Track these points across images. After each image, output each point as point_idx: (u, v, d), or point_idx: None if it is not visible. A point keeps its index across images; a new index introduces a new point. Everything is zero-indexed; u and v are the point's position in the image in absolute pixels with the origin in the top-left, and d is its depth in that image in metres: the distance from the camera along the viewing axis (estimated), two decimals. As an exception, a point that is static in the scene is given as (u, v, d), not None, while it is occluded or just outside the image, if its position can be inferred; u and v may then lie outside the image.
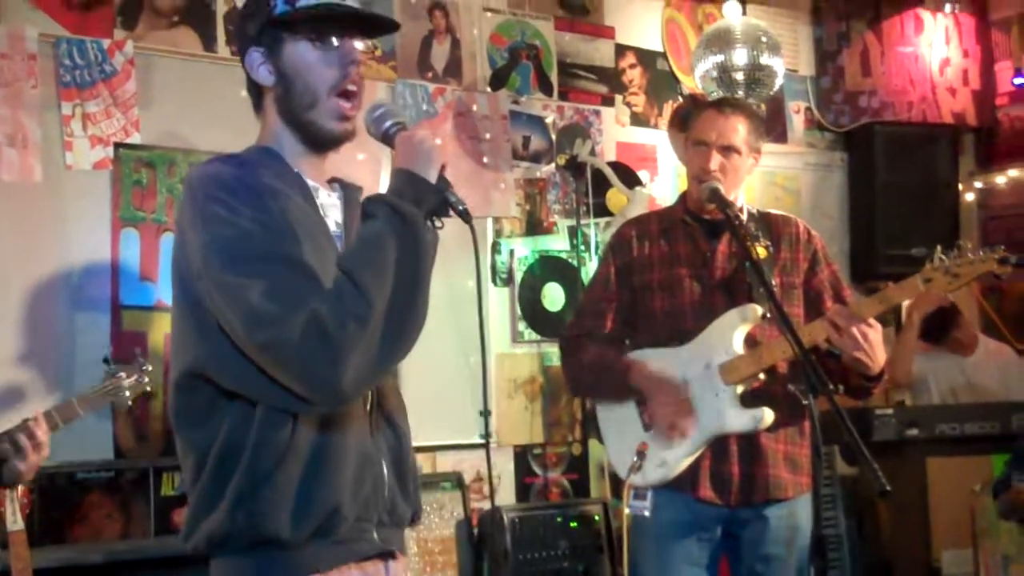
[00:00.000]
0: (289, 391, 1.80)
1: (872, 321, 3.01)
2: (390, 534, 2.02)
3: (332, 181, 2.12)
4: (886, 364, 3.14)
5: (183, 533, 1.97)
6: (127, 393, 3.25)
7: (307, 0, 1.98)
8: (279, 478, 1.86)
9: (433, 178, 1.95)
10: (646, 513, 3.21)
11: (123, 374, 3.25)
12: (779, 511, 3.21)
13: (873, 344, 3.01)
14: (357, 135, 2.08)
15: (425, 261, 1.88)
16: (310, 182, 2.03)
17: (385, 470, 2.01)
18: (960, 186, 5.89)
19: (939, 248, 3.01)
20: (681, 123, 3.39)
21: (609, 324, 3.37)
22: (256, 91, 2.07)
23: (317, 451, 1.89)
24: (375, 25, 2.09)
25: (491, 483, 2.18)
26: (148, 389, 3.33)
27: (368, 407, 2.01)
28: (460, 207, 1.98)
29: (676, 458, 3.19)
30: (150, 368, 3.30)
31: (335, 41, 2.00)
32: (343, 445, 1.92)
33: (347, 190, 2.12)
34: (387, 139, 2.05)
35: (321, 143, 2.04)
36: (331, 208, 2.06)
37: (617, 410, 3.35)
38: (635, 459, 3.20)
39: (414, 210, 1.89)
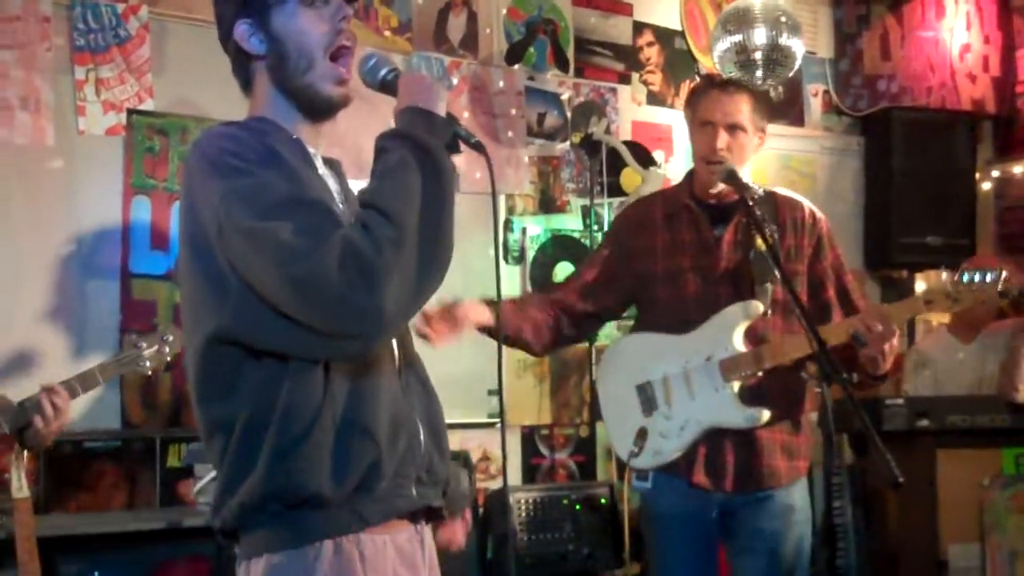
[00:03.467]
0: (325, 334, 1.75)
1: (894, 327, 3.04)
2: (428, 491, 1.99)
3: None
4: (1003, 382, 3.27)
5: (211, 509, 1.92)
6: (148, 363, 3.22)
7: None
8: (316, 433, 1.82)
9: (442, 112, 1.92)
10: (647, 488, 3.24)
11: (144, 344, 3.22)
12: (774, 495, 3.21)
13: (893, 347, 3.06)
14: (355, 94, 2.04)
15: (448, 186, 1.84)
16: (310, 149, 2.00)
17: (420, 427, 1.98)
18: (977, 175, 5.85)
19: (944, 268, 3.05)
20: (691, 95, 3.38)
21: (580, 282, 3.38)
22: (244, 68, 2.02)
23: (351, 406, 1.86)
24: None
25: (505, 466, 2.14)
26: (168, 360, 3.29)
27: (397, 364, 1.99)
28: (472, 139, 1.96)
29: (672, 447, 3.21)
30: (171, 338, 3.27)
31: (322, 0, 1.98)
32: (376, 400, 1.89)
33: (331, 163, 2.10)
34: (386, 86, 2.01)
35: (318, 109, 2.00)
36: (328, 178, 2.03)
37: (616, 391, 3.35)
38: (634, 443, 3.22)
39: (431, 138, 1.86)
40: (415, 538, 1.98)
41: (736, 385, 3.17)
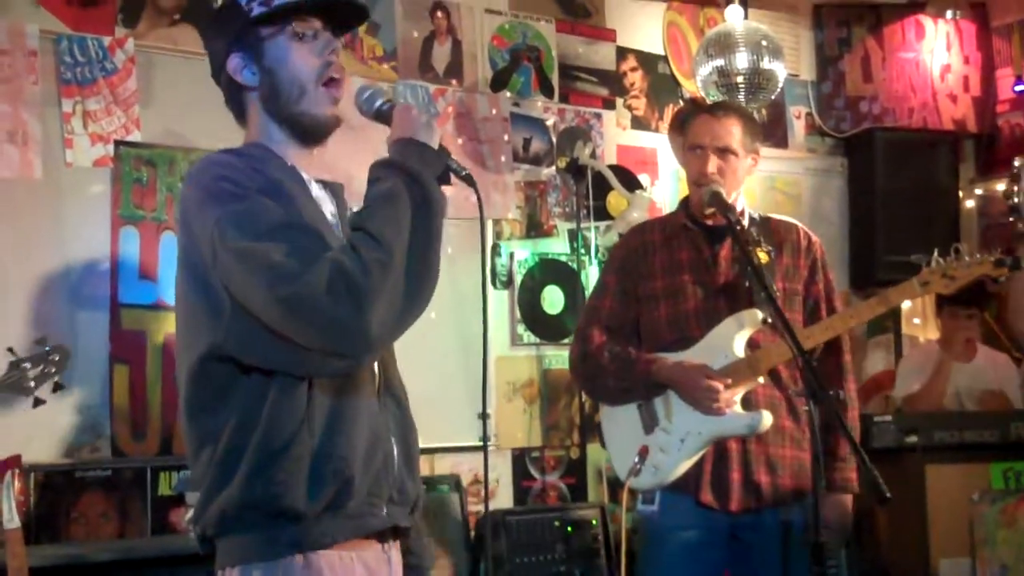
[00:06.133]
0: (314, 352, 1.82)
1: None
2: (399, 511, 2.05)
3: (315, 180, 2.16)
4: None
5: (192, 516, 1.99)
6: (32, 384, 3.23)
7: None
8: (295, 449, 1.89)
9: (435, 145, 2.01)
10: (654, 516, 3.22)
11: (28, 365, 3.24)
12: (782, 516, 3.20)
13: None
14: (346, 124, 2.14)
15: (438, 217, 1.93)
16: (304, 175, 2.07)
17: (395, 447, 2.05)
18: (960, 193, 5.89)
19: (936, 252, 3.05)
20: (681, 127, 3.41)
21: (605, 313, 3.39)
22: (237, 98, 2.10)
23: (331, 423, 1.93)
24: (347, 13, 2.14)
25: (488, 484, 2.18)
26: (57, 380, 3.30)
27: (376, 384, 2.05)
28: (462, 172, 2.06)
29: (673, 461, 3.19)
30: (57, 358, 3.29)
31: (313, 33, 2.05)
32: (355, 418, 1.96)
33: (332, 186, 2.16)
34: (381, 116, 2.11)
35: (312, 132, 2.08)
36: (323, 201, 2.10)
37: (619, 414, 3.35)
38: (635, 461, 3.21)
39: (423, 169, 1.94)
40: (382, 557, 2.04)
41: (737, 392, 3.17)
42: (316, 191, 2.09)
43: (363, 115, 2.14)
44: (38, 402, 3.31)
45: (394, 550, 2.07)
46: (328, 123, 2.08)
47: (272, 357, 1.87)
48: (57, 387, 3.35)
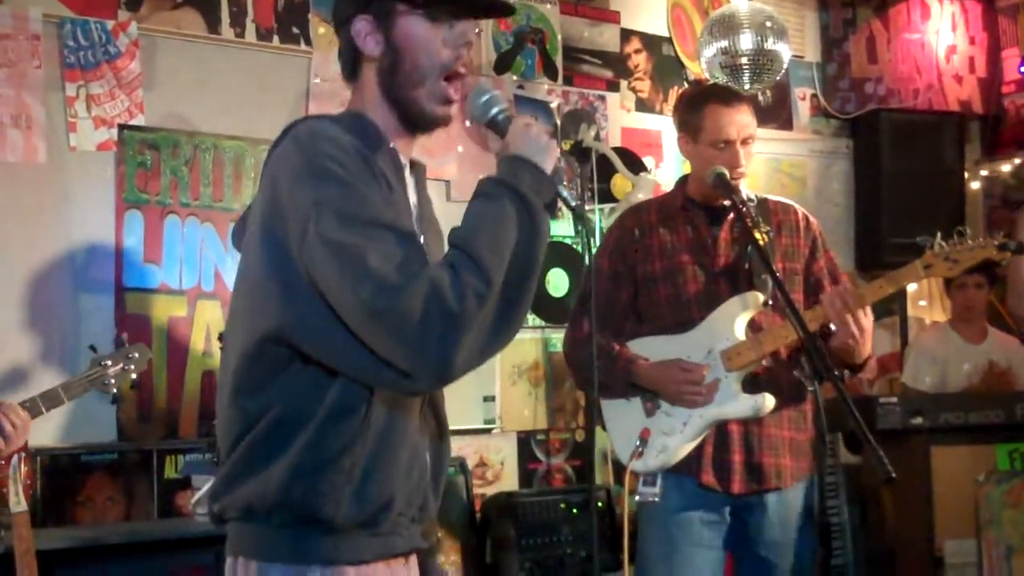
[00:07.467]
0: (387, 365, 1.73)
1: (867, 311, 3.03)
2: (418, 530, 1.98)
3: None
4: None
5: (211, 493, 1.91)
6: (113, 381, 3.25)
7: None
8: (346, 460, 1.81)
9: (549, 170, 1.89)
10: (656, 499, 3.21)
11: (109, 362, 3.25)
12: (782, 497, 3.21)
13: (867, 334, 3.04)
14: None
15: (541, 251, 1.82)
16: (401, 158, 1.97)
17: (428, 464, 1.98)
18: (966, 174, 5.87)
19: (939, 235, 3.05)
20: (688, 113, 3.33)
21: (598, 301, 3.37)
22: (352, 60, 1.98)
23: (382, 438, 1.84)
24: (490, 7, 2.04)
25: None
26: (134, 377, 3.32)
27: (422, 399, 1.96)
28: (573, 203, 1.95)
29: (677, 444, 3.18)
30: (136, 355, 3.30)
31: (450, 20, 1.93)
32: (404, 434, 1.88)
33: (417, 169, 2.06)
34: (494, 125, 1.99)
35: (419, 124, 1.97)
36: (410, 188, 2.00)
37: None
38: (637, 444, 3.21)
39: (537, 198, 1.83)
40: (402, 570, 1.96)
41: (738, 375, 3.17)
42: (407, 177, 1.99)
43: (473, 119, 2.03)
44: (116, 399, 3.34)
45: (413, 561, 2.00)
46: (436, 122, 1.96)
47: (342, 358, 1.77)
48: (134, 384, 3.38)
